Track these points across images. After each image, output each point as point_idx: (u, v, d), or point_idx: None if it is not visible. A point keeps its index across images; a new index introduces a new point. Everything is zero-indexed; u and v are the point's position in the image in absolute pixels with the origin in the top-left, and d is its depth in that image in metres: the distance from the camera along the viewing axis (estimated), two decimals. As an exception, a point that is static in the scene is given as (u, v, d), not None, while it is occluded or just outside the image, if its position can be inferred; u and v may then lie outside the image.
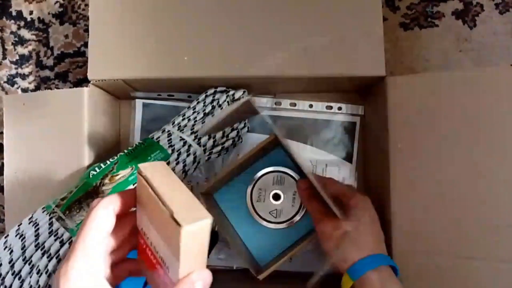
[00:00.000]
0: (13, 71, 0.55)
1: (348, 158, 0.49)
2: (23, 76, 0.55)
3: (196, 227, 0.22)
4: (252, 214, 0.42)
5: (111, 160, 0.39)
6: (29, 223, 0.35)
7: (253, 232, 0.43)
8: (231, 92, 0.44)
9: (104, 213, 0.25)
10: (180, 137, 0.41)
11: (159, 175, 0.24)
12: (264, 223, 0.42)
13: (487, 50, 0.49)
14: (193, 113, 0.43)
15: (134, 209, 0.27)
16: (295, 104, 0.49)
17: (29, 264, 0.34)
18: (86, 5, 0.54)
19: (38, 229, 0.35)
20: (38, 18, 0.55)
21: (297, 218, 0.42)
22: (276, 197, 0.42)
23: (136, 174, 0.25)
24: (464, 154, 0.37)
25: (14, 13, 0.56)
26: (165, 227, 0.23)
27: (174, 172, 0.40)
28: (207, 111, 0.43)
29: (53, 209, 0.36)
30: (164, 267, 0.24)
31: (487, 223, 0.36)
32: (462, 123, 0.38)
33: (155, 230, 0.24)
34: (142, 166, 0.25)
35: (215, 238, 0.44)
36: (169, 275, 0.24)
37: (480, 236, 0.36)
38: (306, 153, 0.48)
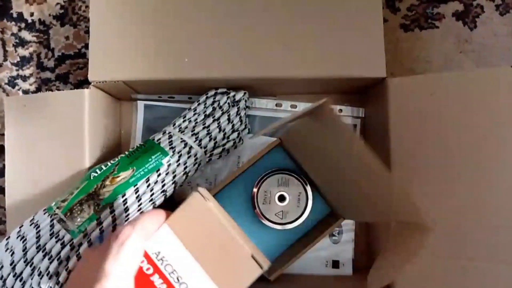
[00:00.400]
0: (14, 73, 0.55)
1: (349, 159, 0.49)
2: (24, 78, 0.55)
3: (266, 269, 0.23)
4: (258, 216, 0.42)
5: (112, 161, 0.39)
6: (30, 225, 0.36)
7: (259, 233, 0.43)
8: (232, 94, 0.44)
9: (138, 245, 0.22)
10: (181, 138, 0.41)
11: (215, 205, 0.24)
12: (271, 224, 0.42)
13: (488, 51, 0.49)
14: (194, 114, 0.44)
15: None
16: (296, 106, 0.49)
17: (30, 266, 0.34)
18: (87, 6, 0.55)
19: (39, 231, 0.35)
20: (39, 19, 0.55)
21: (304, 217, 0.42)
22: (282, 198, 0.42)
23: (193, 198, 0.24)
24: (465, 155, 0.37)
25: (15, 15, 0.56)
26: (233, 265, 0.22)
27: (175, 174, 0.40)
28: (207, 112, 0.43)
29: (54, 211, 0.36)
30: None
31: (488, 224, 0.36)
32: (462, 124, 0.38)
33: (194, 257, 0.22)
34: (203, 193, 0.23)
35: None
36: None
37: (481, 237, 0.36)
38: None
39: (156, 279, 0.22)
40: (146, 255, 0.23)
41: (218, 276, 0.22)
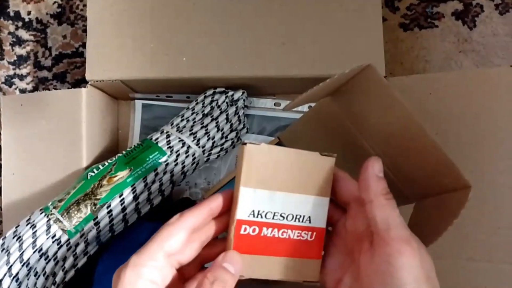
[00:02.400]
0: (11, 72, 0.55)
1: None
2: (21, 77, 0.55)
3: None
4: None
5: (109, 161, 0.39)
6: (27, 225, 0.35)
7: None
8: (230, 93, 0.44)
9: (172, 231, 0.23)
10: (179, 138, 0.41)
11: (266, 144, 0.25)
12: None
13: (487, 51, 0.49)
14: (192, 114, 0.43)
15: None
16: (294, 105, 0.49)
17: (26, 266, 0.34)
18: (85, 5, 0.54)
19: (35, 231, 0.35)
20: (36, 18, 0.55)
21: None
22: None
23: (248, 150, 0.24)
24: (465, 155, 0.37)
25: (12, 14, 0.55)
26: (311, 172, 0.24)
27: (173, 174, 0.39)
28: (206, 112, 0.43)
29: (51, 211, 0.35)
30: (303, 224, 0.24)
31: (488, 225, 0.36)
32: (462, 124, 0.37)
33: (281, 190, 0.24)
34: (251, 142, 0.24)
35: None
36: (311, 225, 0.25)
37: (481, 237, 0.36)
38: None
39: (266, 231, 0.24)
40: (244, 222, 0.23)
41: (310, 189, 0.24)
